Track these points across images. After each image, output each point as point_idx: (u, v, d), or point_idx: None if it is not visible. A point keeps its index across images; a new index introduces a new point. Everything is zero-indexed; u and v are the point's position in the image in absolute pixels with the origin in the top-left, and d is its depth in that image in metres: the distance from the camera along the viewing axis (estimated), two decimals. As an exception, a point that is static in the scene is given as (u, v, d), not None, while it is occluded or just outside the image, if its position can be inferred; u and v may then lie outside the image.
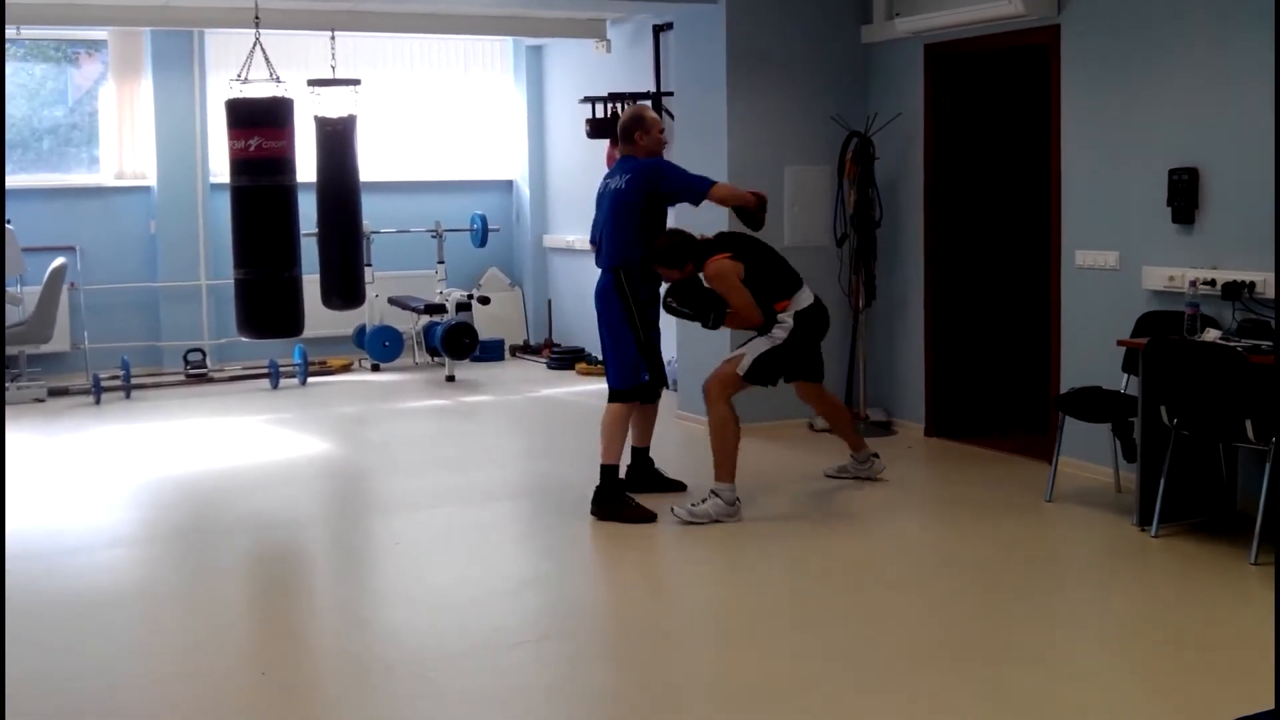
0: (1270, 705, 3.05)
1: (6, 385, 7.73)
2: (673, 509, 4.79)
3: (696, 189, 4.97)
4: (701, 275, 4.86)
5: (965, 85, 6.38)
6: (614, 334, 4.98)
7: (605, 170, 8.48)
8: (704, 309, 4.86)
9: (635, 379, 4.97)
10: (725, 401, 4.83)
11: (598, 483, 4.94)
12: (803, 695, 3.31)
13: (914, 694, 3.31)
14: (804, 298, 4.96)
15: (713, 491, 4.79)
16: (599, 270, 5.12)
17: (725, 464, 4.80)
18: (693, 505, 4.80)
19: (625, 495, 4.93)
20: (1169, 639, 3.72)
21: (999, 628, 3.81)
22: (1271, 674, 3.29)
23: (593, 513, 4.92)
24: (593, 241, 5.19)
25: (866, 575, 4.39)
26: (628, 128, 5.06)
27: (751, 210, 5.02)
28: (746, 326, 4.95)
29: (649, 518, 4.82)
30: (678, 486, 5.24)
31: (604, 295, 5.02)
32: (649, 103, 8.13)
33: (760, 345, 4.89)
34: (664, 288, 4.98)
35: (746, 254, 4.89)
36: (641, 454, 5.28)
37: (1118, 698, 3.27)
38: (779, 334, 4.88)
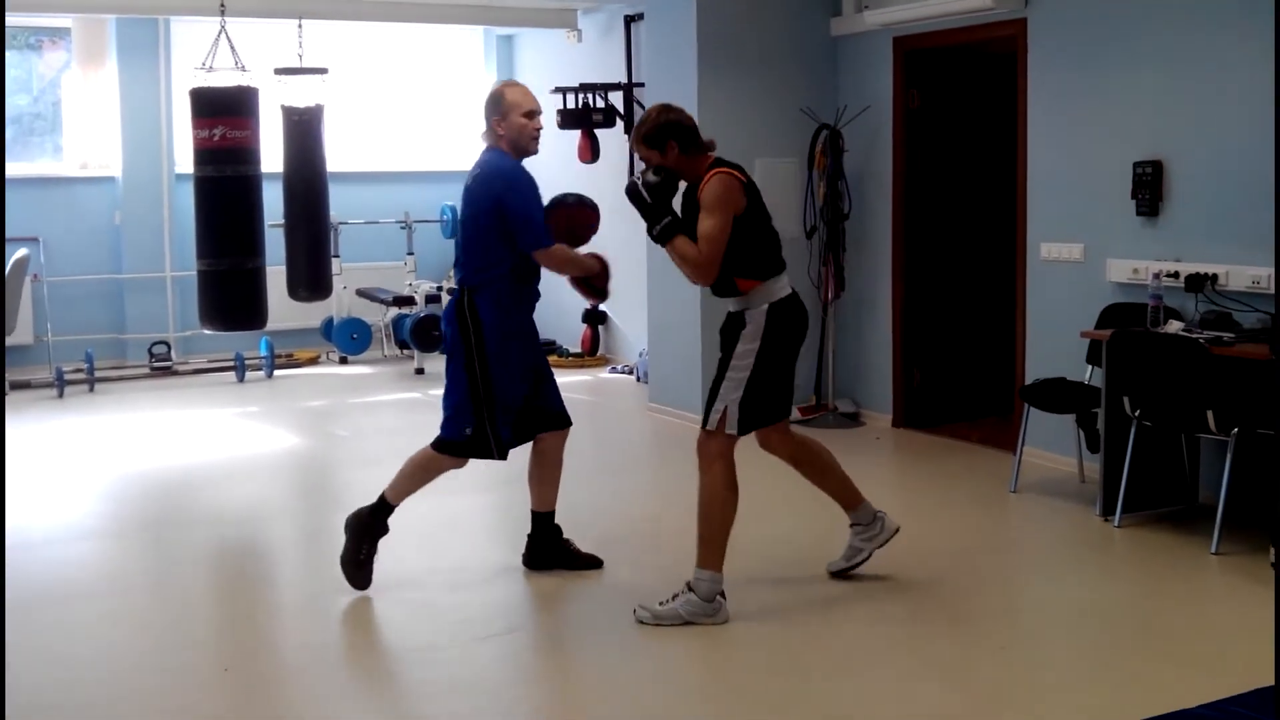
0: (1238, 690, 3.09)
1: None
2: (635, 609, 3.75)
3: (530, 238, 3.86)
4: (683, 182, 3.80)
5: (934, 78, 6.41)
6: (450, 368, 4.00)
7: (577, 162, 8.54)
8: (659, 211, 3.72)
9: (458, 431, 3.94)
10: (719, 470, 3.75)
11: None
12: (767, 682, 3.32)
13: (878, 682, 3.33)
14: (780, 287, 3.79)
15: (688, 584, 3.71)
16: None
17: (710, 546, 3.70)
18: (661, 602, 3.72)
19: (371, 545, 4.04)
20: (1132, 628, 3.76)
21: (963, 617, 3.84)
22: (1240, 660, 3.34)
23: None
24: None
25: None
26: (486, 109, 3.99)
27: (593, 281, 4.13)
28: (687, 270, 3.75)
29: (363, 584, 3.99)
30: (592, 564, 4.24)
31: (448, 320, 4.00)
32: (628, 98, 8.10)
33: (735, 384, 3.74)
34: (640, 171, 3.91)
35: (754, 196, 3.74)
36: (544, 520, 4.27)
37: (1081, 686, 3.30)
38: (747, 348, 3.73)
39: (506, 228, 3.85)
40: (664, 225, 3.69)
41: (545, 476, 4.23)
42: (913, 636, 3.67)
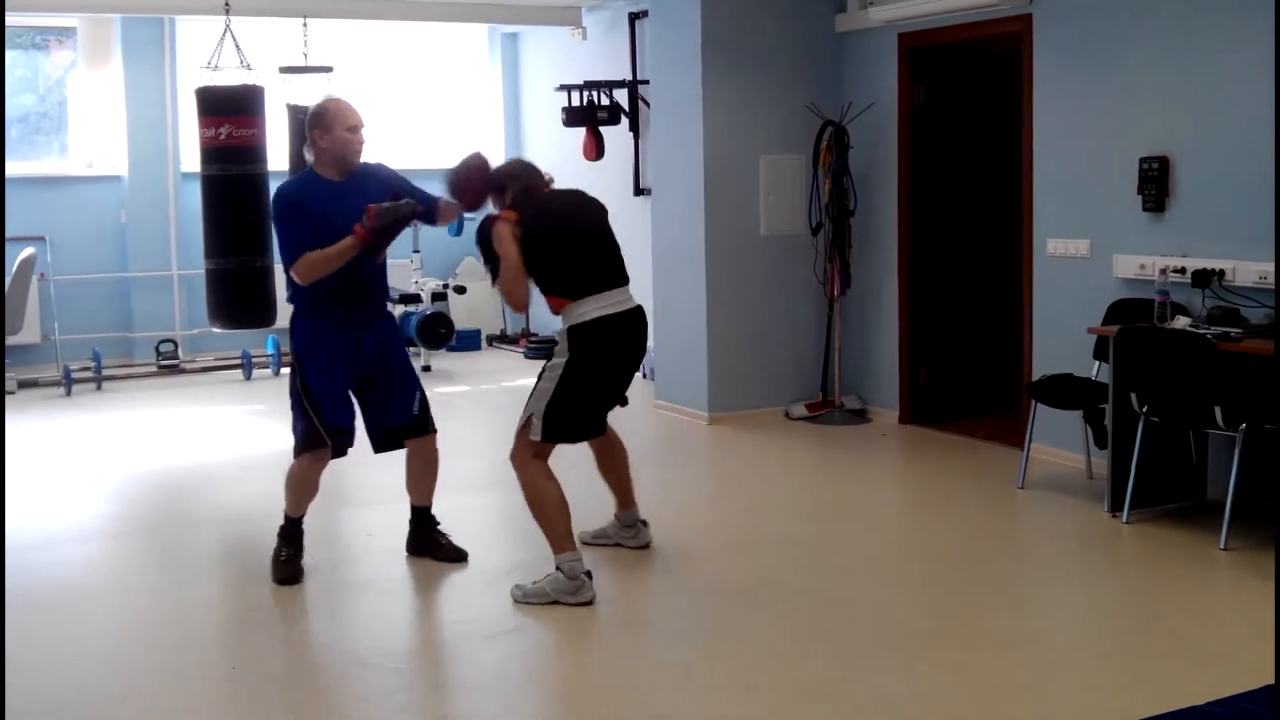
0: (1247, 687, 3.09)
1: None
2: (512, 589, 4.01)
3: (284, 258, 4.00)
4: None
5: (939, 75, 6.40)
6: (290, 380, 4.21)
7: (582, 159, 8.54)
8: (489, 254, 4.00)
9: (298, 430, 4.16)
10: (531, 469, 4.01)
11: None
12: (777, 681, 3.32)
13: (886, 678, 3.33)
14: (587, 310, 3.94)
15: (558, 566, 3.93)
16: None
17: (554, 535, 3.94)
18: (533, 582, 3.97)
19: (292, 549, 4.25)
20: (1140, 624, 3.75)
21: (971, 614, 3.83)
22: (1248, 656, 3.33)
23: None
24: None
25: (839, 561, 4.40)
26: (306, 127, 4.10)
27: (375, 239, 4.04)
28: (508, 299, 4.00)
29: (284, 580, 4.17)
30: (458, 556, 4.38)
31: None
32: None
33: (542, 395, 3.97)
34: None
35: (539, 231, 3.94)
36: (421, 514, 4.48)
37: (1089, 682, 3.30)
38: (556, 363, 3.97)
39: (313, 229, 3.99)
40: (490, 269, 4.02)
41: (420, 472, 4.45)
42: (919, 632, 3.67)
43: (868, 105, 6.46)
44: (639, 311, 4.10)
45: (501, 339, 9.63)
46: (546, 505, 3.95)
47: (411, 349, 8.78)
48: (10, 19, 8.26)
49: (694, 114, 6.53)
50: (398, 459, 4.45)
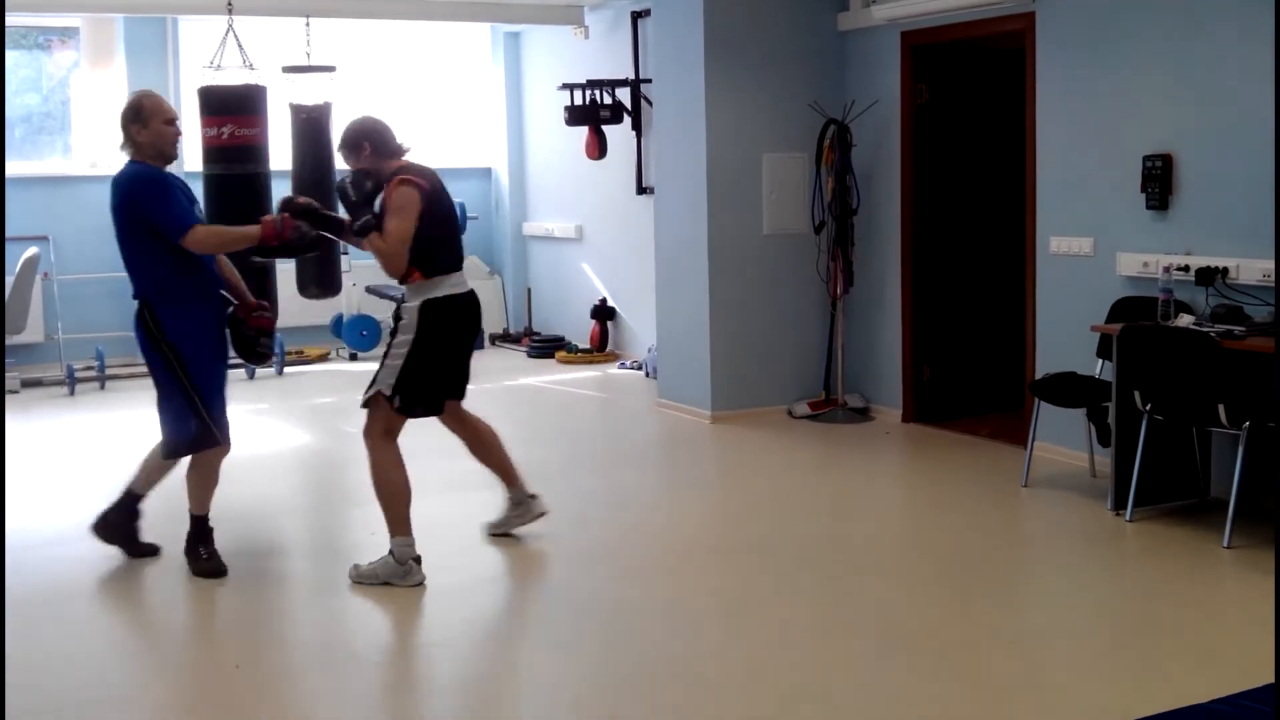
0: (1251, 685, 3.08)
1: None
2: (349, 570, 4.13)
3: (172, 232, 3.97)
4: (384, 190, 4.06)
5: (942, 73, 6.39)
6: (154, 377, 4.15)
7: (585, 158, 8.54)
8: (361, 209, 4.05)
9: (185, 431, 4.11)
10: (381, 445, 4.07)
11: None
12: (779, 679, 3.32)
13: (889, 676, 3.33)
14: (440, 287, 4.08)
15: (391, 550, 4.05)
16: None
17: (393, 517, 4.04)
18: (370, 562, 4.10)
19: (208, 547, 4.23)
20: (1143, 623, 3.75)
21: (974, 611, 3.83)
22: (1252, 654, 3.33)
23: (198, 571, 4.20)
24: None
25: (842, 560, 4.40)
26: (122, 121, 4.10)
27: (267, 243, 4.09)
28: (380, 261, 4.08)
29: (210, 574, 4.15)
30: (149, 551, 4.37)
31: (136, 330, 4.13)
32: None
33: (391, 371, 4.08)
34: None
35: (433, 203, 4.06)
36: (134, 500, 4.39)
37: (1092, 680, 3.30)
38: (403, 339, 4.09)
39: (152, 232, 4.00)
40: (363, 222, 4.04)
41: (163, 468, 4.37)
42: (922, 631, 3.66)
43: (870, 103, 6.46)
44: (475, 294, 4.25)
45: (504, 338, 9.64)
46: (390, 487, 4.06)
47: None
48: (13, 19, 8.28)
49: (697, 112, 6.53)
50: (405, 456, 4.42)
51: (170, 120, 4.12)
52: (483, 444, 4.52)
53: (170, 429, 4.15)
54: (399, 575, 4.02)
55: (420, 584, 4.03)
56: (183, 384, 4.05)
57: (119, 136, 4.13)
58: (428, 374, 4.10)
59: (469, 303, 4.17)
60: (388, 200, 4.02)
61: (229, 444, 4.24)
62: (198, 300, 4.11)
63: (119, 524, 4.37)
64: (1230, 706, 3.01)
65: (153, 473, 4.35)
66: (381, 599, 4.07)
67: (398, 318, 4.12)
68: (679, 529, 4.83)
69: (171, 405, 4.10)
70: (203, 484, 4.23)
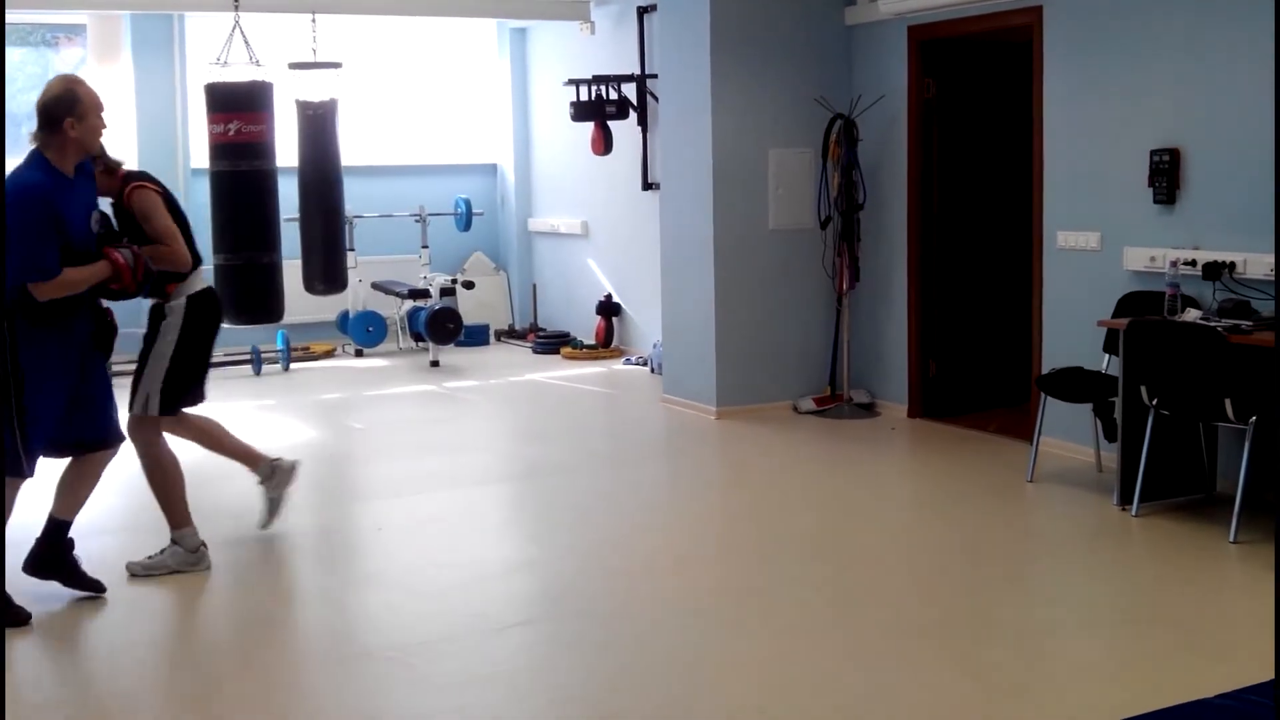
0: (1255, 680, 3.08)
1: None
2: (129, 564, 4.14)
3: (13, 275, 3.49)
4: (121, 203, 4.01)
5: (949, 67, 6.38)
6: None
7: (590, 154, 8.53)
8: (132, 228, 3.99)
9: None
10: (150, 445, 4.12)
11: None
12: (785, 673, 3.32)
13: (895, 672, 3.33)
14: (196, 281, 4.13)
15: (173, 539, 4.14)
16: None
17: (172, 510, 4.14)
18: (150, 556, 4.14)
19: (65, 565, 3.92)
20: (1149, 618, 3.74)
21: (980, 607, 3.83)
22: (1257, 650, 3.32)
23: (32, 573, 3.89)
24: None
25: (848, 555, 4.40)
26: (55, 110, 3.66)
27: (117, 281, 3.76)
28: (172, 261, 3.99)
29: (22, 619, 3.68)
30: (95, 588, 3.96)
31: None
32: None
33: (157, 373, 4.06)
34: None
35: (169, 201, 4.08)
36: (63, 529, 3.97)
37: (1098, 676, 3.29)
38: (169, 338, 4.05)
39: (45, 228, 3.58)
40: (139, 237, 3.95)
41: (81, 481, 4.00)
42: (928, 626, 3.66)
43: (877, 98, 6.44)
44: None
45: (510, 334, 9.64)
46: (166, 482, 4.16)
47: (420, 344, 8.82)
48: (20, 16, 8.29)
49: (702, 108, 6.52)
50: (404, 453, 4.44)
51: (103, 114, 3.78)
52: (210, 437, 4.45)
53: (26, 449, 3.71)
54: (191, 562, 4.17)
55: (209, 568, 4.17)
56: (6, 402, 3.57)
57: (39, 124, 3.64)
58: (191, 368, 4.18)
59: (215, 296, 4.32)
60: (136, 208, 4.00)
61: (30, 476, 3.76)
62: (50, 329, 3.67)
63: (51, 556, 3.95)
64: (1236, 701, 3.00)
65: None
66: (388, 596, 4.07)
67: (161, 316, 4.09)
68: (684, 524, 4.83)
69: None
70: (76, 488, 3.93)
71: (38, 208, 3.57)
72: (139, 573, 4.14)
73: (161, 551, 4.19)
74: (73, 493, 4.01)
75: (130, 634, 3.79)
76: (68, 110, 3.65)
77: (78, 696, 3.30)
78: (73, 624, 3.81)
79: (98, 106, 3.75)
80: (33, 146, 3.72)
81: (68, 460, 3.99)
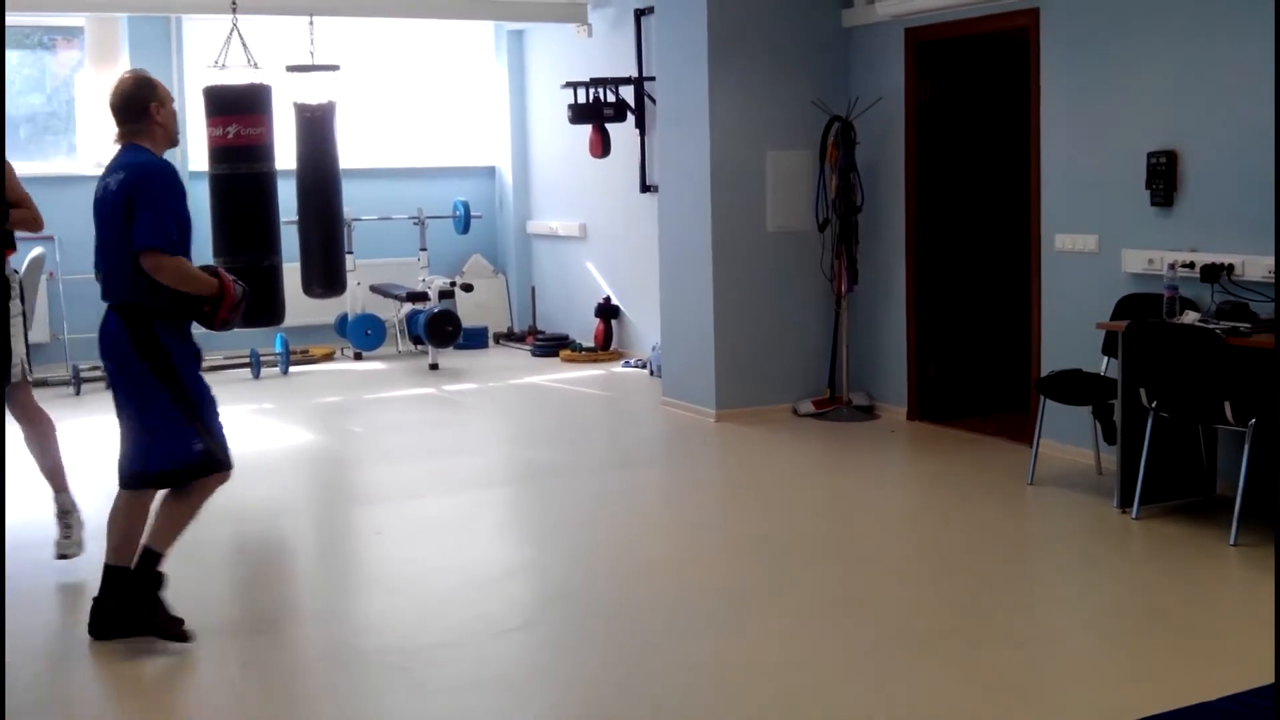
0: (1257, 683, 3.08)
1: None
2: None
3: (142, 235, 3.42)
4: None
5: (946, 69, 6.38)
6: (138, 395, 3.55)
7: (588, 157, 8.54)
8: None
9: (183, 454, 3.52)
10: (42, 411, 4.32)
11: (101, 595, 3.61)
12: (786, 677, 3.32)
13: (895, 675, 3.33)
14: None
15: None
16: (107, 306, 3.61)
17: (61, 476, 4.38)
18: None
19: (157, 600, 3.61)
20: (1149, 620, 3.74)
21: (980, 610, 3.83)
22: (1258, 653, 3.32)
23: (100, 635, 3.57)
24: (97, 266, 3.70)
25: (847, 558, 4.40)
26: (138, 98, 3.58)
27: (209, 308, 3.61)
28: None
29: (181, 635, 3.56)
30: (179, 635, 3.60)
31: (114, 344, 3.54)
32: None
33: (20, 342, 4.20)
34: None
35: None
36: (155, 560, 3.63)
37: (1098, 679, 3.29)
38: (18, 308, 4.28)
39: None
40: None
41: (181, 508, 3.70)
42: (929, 629, 3.66)
43: (875, 100, 6.45)
44: None
45: (508, 336, 9.64)
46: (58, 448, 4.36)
47: (419, 347, 8.82)
48: (17, 19, 8.29)
49: (700, 110, 6.52)
50: (403, 457, 4.44)
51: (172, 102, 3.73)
52: (40, 434, 4.36)
53: (163, 454, 3.54)
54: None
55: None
56: (184, 400, 3.53)
57: (124, 118, 3.59)
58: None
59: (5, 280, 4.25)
60: None
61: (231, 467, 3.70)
62: (186, 325, 3.64)
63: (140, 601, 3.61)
64: (1237, 705, 3.00)
65: (181, 515, 3.66)
66: (387, 600, 4.07)
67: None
68: (684, 527, 4.83)
69: (159, 429, 3.53)
70: (136, 528, 3.61)
71: (173, 182, 3.55)
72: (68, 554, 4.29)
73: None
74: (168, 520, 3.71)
75: (124, 639, 3.78)
76: (149, 95, 3.61)
77: (73, 698, 3.29)
78: (66, 626, 3.80)
79: (170, 96, 3.72)
80: (120, 144, 3.62)
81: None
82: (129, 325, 3.51)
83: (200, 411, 3.59)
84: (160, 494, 3.66)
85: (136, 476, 3.59)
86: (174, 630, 3.57)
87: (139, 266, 3.46)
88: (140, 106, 3.59)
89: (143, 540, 3.61)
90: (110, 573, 3.60)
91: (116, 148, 3.65)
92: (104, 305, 3.61)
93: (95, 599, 3.61)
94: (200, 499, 3.65)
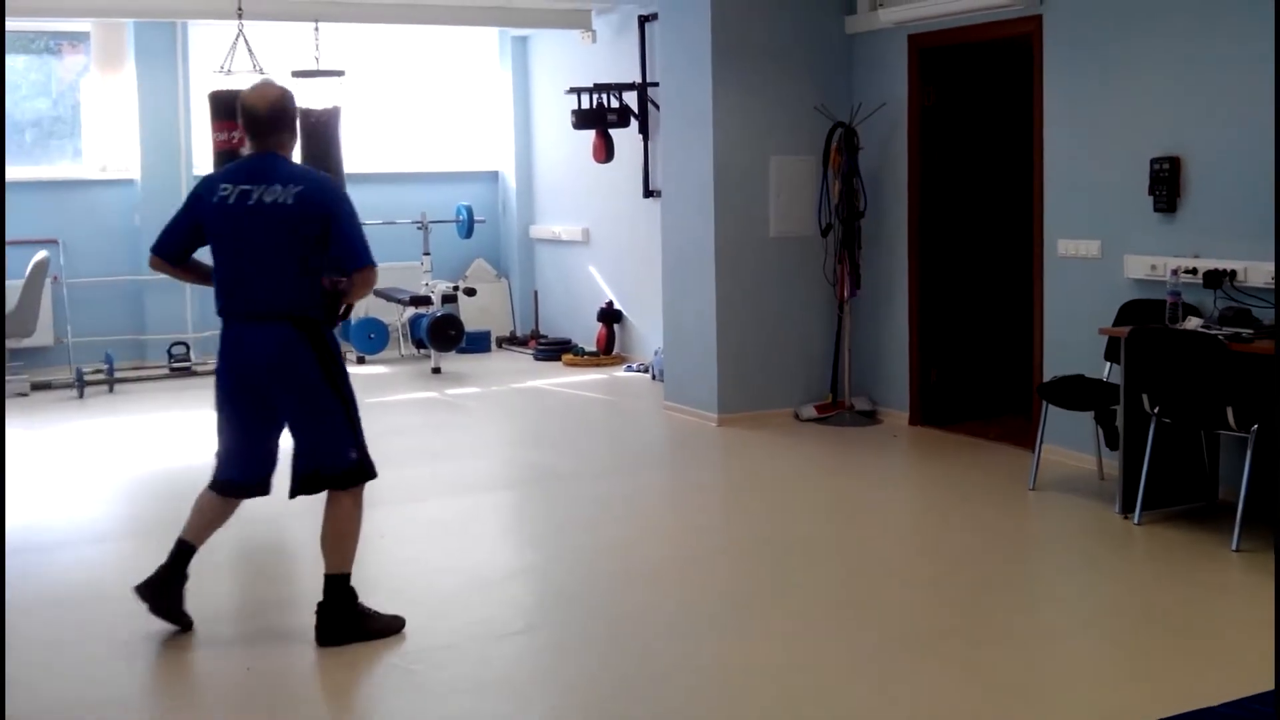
0: (1259, 689, 3.08)
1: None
2: None
3: (364, 255, 3.51)
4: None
5: (949, 75, 6.39)
6: (310, 403, 3.57)
7: (592, 162, 8.55)
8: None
9: (345, 461, 3.58)
10: None
11: (325, 601, 3.62)
12: (787, 679, 3.32)
13: (897, 677, 3.33)
14: None
15: None
16: (254, 323, 3.55)
17: None
18: None
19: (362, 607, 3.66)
20: (1151, 625, 3.74)
21: (982, 614, 3.83)
22: (1260, 658, 3.32)
23: (327, 642, 3.58)
24: (225, 277, 3.62)
25: (850, 562, 4.40)
26: (272, 115, 3.54)
27: (341, 311, 3.70)
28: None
29: (397, 626, 3.66)
30: (185, 623, 3.71)
31: (288, 354, 3.52)
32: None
33: None
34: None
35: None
36: (189, 553, 3.73)
37: (1101, 684, 3.29)
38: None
39: (324, 247, 3.51)
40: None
41: (221, 513, 3.81)
42: (930, 632, 3.66)
43: (878, 106, 6.46)
44: None
45: (511, 341, 9.65)
46: None
47: (421, 351, 8.83)
48: (23, 24, 8.32)
49: (704, 116, 6.54)
50: (406, 460, 4.44)
51: None
52: None
53: (335, 455, 3.57)
54: None
55: None
56: (349, 406, 3.59)
57: (273, 128, 3.53)
58: None
59: None
60: None
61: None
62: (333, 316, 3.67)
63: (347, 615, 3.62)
64: (1239, 710, 3.00)
65: (344, 524, 3.63)
66: (393, 603, 4.08)
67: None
68: (686, 531, 4.83)
69: (335, 432, 3.57)
70: (351, 532, 3.61)
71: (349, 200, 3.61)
72: None
73: None
74: (214, 520, 3.78)
75: (130, 641, 3.79)
76: (294, 107, 3.63)
77: (74, 703, 3.30)
78: (69, 625, 3.81)
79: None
80: (254, 152, 3.59)
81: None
82: (306, 336, 3.51)
83: (357, 418, 3.63)
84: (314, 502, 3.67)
85: (307, 481, 3.60)
86: (392, 627, 3.63)
87: (310, 278, 3.49)
88: (290, 118, 3.60)
89: (326, 570, 3.61)
90: (330, 581, 3.61)
91: (243, 154, 3.65)
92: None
93: (319, 605, 3.61)
94: (355, 510, 3.62)
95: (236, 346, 3.56)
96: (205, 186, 3.62)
